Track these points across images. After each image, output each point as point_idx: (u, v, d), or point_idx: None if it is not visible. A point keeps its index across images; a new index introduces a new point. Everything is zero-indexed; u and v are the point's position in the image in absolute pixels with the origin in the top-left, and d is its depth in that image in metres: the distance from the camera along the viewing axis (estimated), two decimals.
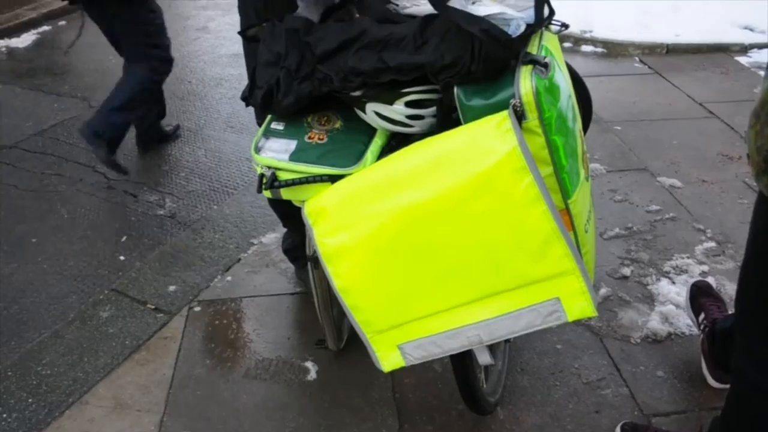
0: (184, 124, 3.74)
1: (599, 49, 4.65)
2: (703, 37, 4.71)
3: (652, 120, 3.65)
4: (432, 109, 1.30)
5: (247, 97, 1.38)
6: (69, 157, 3.43)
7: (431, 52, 1.19)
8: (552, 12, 1.28)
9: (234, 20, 5.61)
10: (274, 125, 1.41)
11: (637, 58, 4.54)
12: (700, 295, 2.10)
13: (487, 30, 1.14)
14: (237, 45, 4.94)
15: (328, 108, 1.41)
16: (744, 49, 4.64)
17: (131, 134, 3.60)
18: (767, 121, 1.11)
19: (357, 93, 1.30)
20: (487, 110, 1.19)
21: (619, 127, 3.54)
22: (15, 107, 4.06)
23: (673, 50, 4.63)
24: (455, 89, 1.22)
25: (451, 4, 1.16)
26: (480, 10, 1.18)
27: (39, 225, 2.89)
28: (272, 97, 1.34)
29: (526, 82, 1.14)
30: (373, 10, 1.32)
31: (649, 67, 4.39)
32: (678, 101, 3.90)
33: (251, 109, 1.53)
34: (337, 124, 1.39)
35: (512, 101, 1.15)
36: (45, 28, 5.60)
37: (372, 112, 1.32)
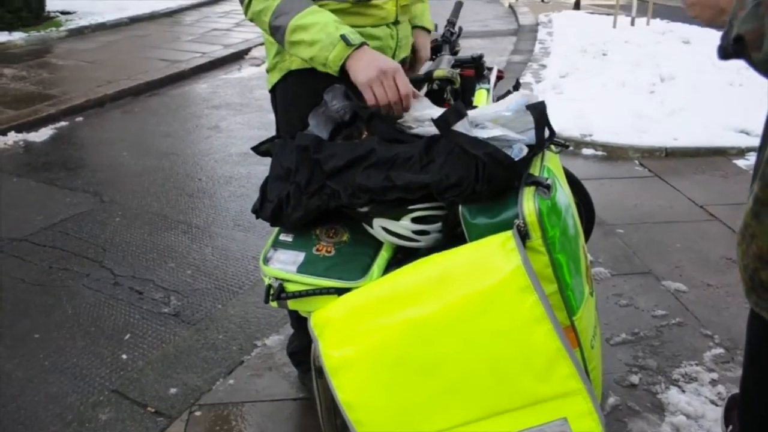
0: (193, 221, 3.80)
1: (599, 153, 4.77)
2: (700, 141, 4.83)
3: (655, 223, 3.69)
4: (438, 225, 1.33)
5: (258, 210, 1.42)
6: (77, 252, 3.47)
7: (436, 172, 1.24)
8: (552, 133, 1.34)
9: (245, 119, 5.83)
10: (282, 237, 1.44)
11: (636, 162, 4.65)
12: (736, 407, 2.05)
13: (491, 153, 1.19)
14: (247, 144, 5.11)
15: (335, 220, 1.44)
16: (741, 152, 4.75)
17: (146, 234, 3.66)
18: (751, 242, 1.16)
19: (364, 209, 1.34)
20: (491, 229, 1.22)
21: (621, 230, 3.58)
22: (28, 200, 4.15)
23: (672, 153, 4.74)
24: (460, 207, 1.25)
25: (455, 128, 1.22)
26: (483, 133, 1.24)
27: (43, 320, 2.89)
28: (282, 210, 1.38)
29: (529, 203, 1.18)
30: (380, 129, 1.38)
31: (649, 170, 4.49)
32: (679, 204, 3.96)
33: None
34: (345, 237, 1.42)
35: (516, 221, 1.18)
36: (62, 123, 5.80)
37: (379, 227, 1.35)
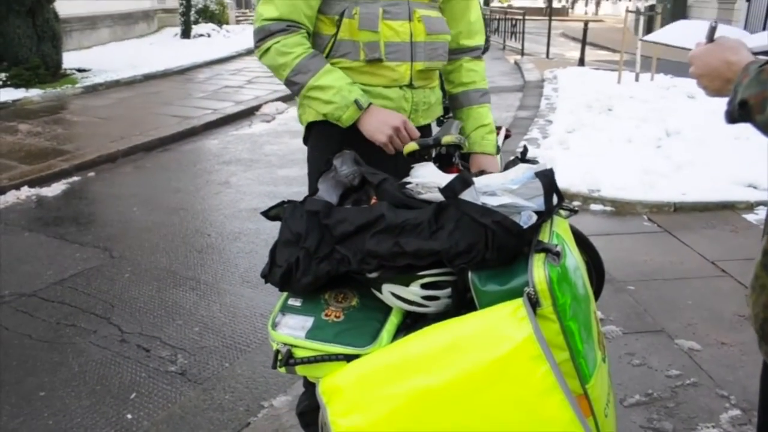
0: (201, 277, 3.80)
1: (608, 208, 4.78)
2: (708, 196, 4.84)
3: (665, 279, 3.67)
4: (447, 291, 1.33)
5: (267, 275, 1.42)
6: (86, 308, 3.46)
7: (446, 239, 1.24)
8: (561, 199, 1.34)
9: (254, 175, 5.90)
10: (291, 301, 1.43)
11: (645, 217, 4.65)
12: None
13: (500, 222, 1.19)
14: (256, 200, 5.16)
15: (344, 284, 1.44)
16: (750, 206, 4.75)
17: (154, 291, 3.66)
18: (761, 292, 1.17)
19: (374, 274, 1.34)
20: (501, 296, 1.22)
21: (632, 287, 3.55)
22: (38, 255, 4.18)
23: (681, 208, 4.74)
24: (470, 274, 1.25)
25: (462, 196, 1.23)
26: (491, 200, 1.25)
27: (49, 378, 2.86)
28: (291, 275, 1.38)
29: (539, 271, 1.18)
30: (389, 195, 1.40)
31: (658, 226, 4.48)
32: (689, 260, 3.94)
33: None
34: (354, 302, 1.41)
35: (526, 289, 1.18)
36: (75, 178, 5.89)
37: (388, 292, 1.35)
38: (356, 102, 1.65)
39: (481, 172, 1.45)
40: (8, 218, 4.89)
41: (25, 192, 5.42)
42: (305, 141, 1.96)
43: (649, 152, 5.79)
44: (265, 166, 6.25)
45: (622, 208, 4.76)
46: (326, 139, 1.80)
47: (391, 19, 1.71)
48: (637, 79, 9.88)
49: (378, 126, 1.65)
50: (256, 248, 4.19)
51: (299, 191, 5.34)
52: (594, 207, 4.80)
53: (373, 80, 1.74)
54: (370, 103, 1.68)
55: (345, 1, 1.70)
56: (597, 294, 2.87)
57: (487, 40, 9.82)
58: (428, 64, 1.81)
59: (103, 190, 5.69)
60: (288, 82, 1.71)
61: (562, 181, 4.96)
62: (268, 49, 1.69)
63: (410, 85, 1.81)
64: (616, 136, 6.30)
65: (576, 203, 4.83)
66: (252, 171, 6.07)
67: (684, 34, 6.42)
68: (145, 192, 5.52)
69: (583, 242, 2.63)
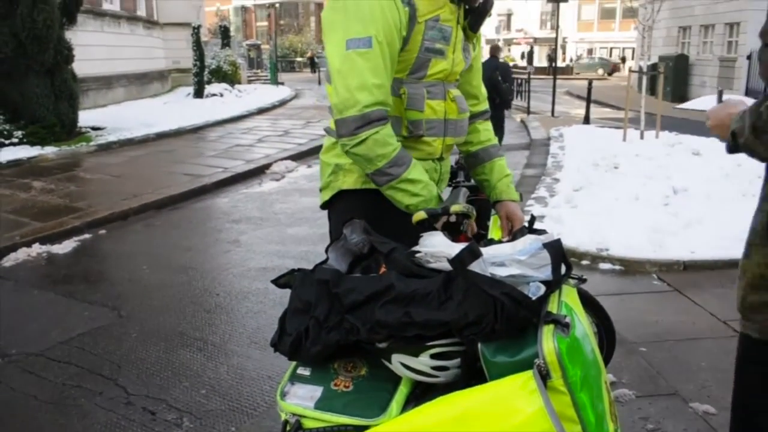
0: (209, 338, 3.78)
1: (617, 267, 4.76)
2: (718, 254, 4.82)
3: (678, 340, 3.62)
4: (457, 361, 1.32)
5: (276, 344, 1.43)
6: (92, 369, 3.44)
7: (455, 310, 1.25)
8: (569, 268, 1.35)
9: (264, 234, 5.94)
10: (300, 370, 1.43)
11: (655, 276, 4.63)
12: None
13: (509, 293, 1.20)
14: (266, 259, 5.18)
15: (353, 353, 1.44)
16: None
17: (161, 352, 3.65)
18: (743, 276, 1.62)
19: (383, 344, 1.34)
20: (511, 367, 1.21)
21: (644, 348, 3.50)
22: (47, 313, 4.18)
23: (690, 267, 4.72)
24: (479, 345, 1.25)
25: (471, 267, 1.24)
26: (500, 271, 1.26)
27: None
28: (300, 344, 1.38)
29: (548, 342, 1.18)
30: (399, 264, 1.41)
31: (668, 285, 4.45)
32: (701, 319, 3.90)
33: (276, 325, 1.58)
34: (363, 371, 1.41)
35: (536, 361, 1.18)
36: (86, 236, 5.94)
37: (398, 362, 1.35)
38: (439, 196, 1.77)
39: (489, 241, 1.47)
40: (18, 276, 4.92)
41: (36, 249, 5.46)
42: (327, 206, 1.98)
43: (656, 210, 5.81)
44: (274, 224, 6.30)
45: (631, 267, 4.74)
46: (361, 206, 1.83)
47: (432, 98, 1.83)
48: (642, 137, 9.99)
49: None
50: (264, 308, 4.18)
51: (308, 250, 5.36)
52: (603, 266, 4.78)
53: (412, 153, 1.81)
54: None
55: (392, 81, 1.78)
56: (608, 358, 2.84)
57: (510, 93, 9.92)
58: (456, 139, 1.97)
59: (113, 247, 5.73)
60: (378, 172, 1.71)
61: (571, 240, 4.97)
62: (365, 140, 1.67)
63: (440, 158, 1.96)
64: (623, 194, 6.33)
65: (585, 262, 4.82)
66: (261, 229, 6.11)
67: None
68: (155, 250, 5.56)
69: (593, 305, 2.62)
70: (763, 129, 1.40)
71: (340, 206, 1.91)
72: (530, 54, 43.58)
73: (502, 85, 8.83)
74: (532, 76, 16.99)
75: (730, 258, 4.77)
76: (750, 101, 1.51)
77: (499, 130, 8.89)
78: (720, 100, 1.68)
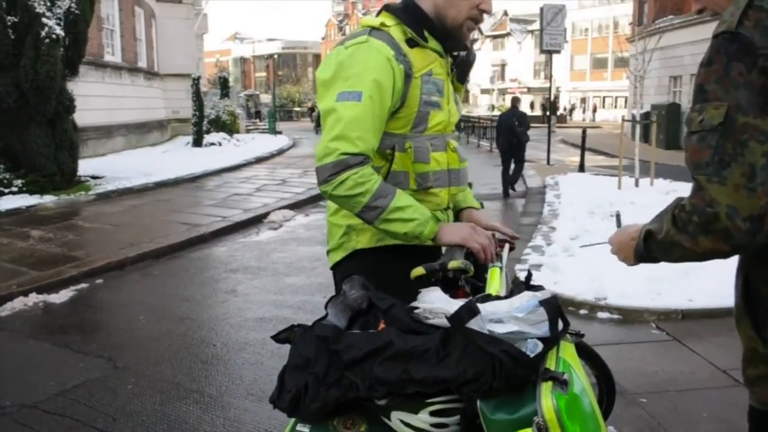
0: (205, 389, 3.74)
1: (615, 316, 4.76)
2: (715, 302, 4.82)
3: (678, 390, 3.60)
4: (456, 418, 1.32)
5: (276, 400, 1.42)
6: (86, 421, 3.40)
7: (454, 367, 1.26)
8: (566, 324, 1.37)
9: (261, 283, 5.93)
10: (299, 427, 1.43)
11: (653, 325, 4.62)
12: None
13: (507, 351, 1.22)
14: (263, 309, 5.16)
15: (353, 410, 1.44)
16: None
17: (157, 404, 3.60)
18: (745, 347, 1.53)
19: (382, 401, 1.34)
20: (511, 424, 1.22)
21: (644, 399, 3.48)
22: (42, 364, 4.14)
23: (689, 315, 4.72)
24: (478, 402, 1.26)
25: (469, 325, 1.26)
26: (498, 327, 1.27)
27: None
28: (299, 401, 1.38)
29: (547, 400, 1.18)
30: (398, 321, 1.43)
31: (667, 334, 4.44)
32: (701, 369, 3.88)
33: (273, 377, 1.58)
34: (362, 428, 1.40)
35: (535, 418, 1.18)
36: (83, 285, 5.92)
37: (397, 419, 1.35)
38: (434, 216, 1.80)
39: (487, 297, 1.48)
40: (14, 325, 4.89)
41: (33, 298, 5.44)
42: (338, 266, 1.98)
43: None
44: (272, 274, 6.30)
45: (629, 316, 4.73)
46: (376, 264, 1.85)
47: (435, 150, 1.89)
48: (637, 185, 10.10)
49: (455, 232, 1.80)
50: (261, 359, 4.15)
51: (305, 299, 5.36)
52: (601, 315, 4.78)
53: None
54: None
55: (394, 137, 1.84)
56: (608, 410, 2.81)
57: (524, 135, 11.25)
58: (459, 189, 2.03)
59: (110, 297, 5.71)
60: (366, 209, 1.74)
61: (568, 289, 4.97)
62: (344, 181, 1.70)
63: (447, 208, 2.00)
64: None
65: (583, 311, 4.82)
66: (259, 279, 6.11)
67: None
68: (152, 300, 5.54)
69: (591, 357, 2.62)
70: (686, 220, 1.26)
71: (354, 265, 1.91)
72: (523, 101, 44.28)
73: (518, 129, 11.30)
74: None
75: (727, 306, 4.70)
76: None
77: (519, 163, 11.51)
78: (619, 224, 1.78)
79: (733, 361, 3.93)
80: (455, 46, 1.94)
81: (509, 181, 11.34)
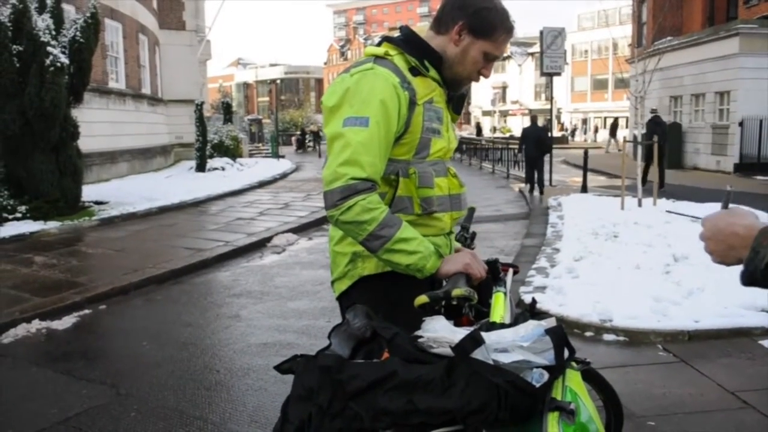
0: (209, 417, 3.71)
1: (621, 338, 4.71)
2: (722, 322, 4.78)
3: (686, 413, 3.55)
4: None
5: None
6: None
7: (458, 397, 1.25)
8: (572, 352, 1.36)
9: (265, 308, 5.91)
10: None
11: (660, 346, 4.58)
12: None
13: (512, 381, 1.21)
14: (266, 334, 5.14)
15: None
16: (766, 332, 4.67)
17: (150, 426, 3.57)
18: None
19: None
20: None
21: (652, 423, 3.43)
22: (44, 392, 4.11)
23: (695, 336, 4.67)
24: None
25: (473, 355, 1.25)
26: (502, 357, 1.26)
27: None
28: None
29: (554, 430, 1.17)
30: (402, 350, 1.42)
31: (674, 355, 4.40)
32: (709, 391, 3.84)
33: (277, 403, 1.56)
34: None
35: None
36: (86, 311, 5.89)
37: None
38: (437, 251, 1.81)
39: (491, 325, 1.47)
40: (16, 352, 4.86)
41: (36, 325, 5.41)
42: (344, 296, 1.98)
43: (658, 278, 5.79)
44: (275, 298, 6.27)
45: (635, 338, 4.69)
46: (383, 291, 1.87)
47: (437, 176, 1.93)
48: (640, 205, 10.08)
49: (455, 262, 1.82)
50: (265, 385, 4.11)
51: (309, 324, 5.33)
52: (607, 337, 4.74)
53: (426, 231, 1.88)
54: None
55: (398, 163, 1.87)
56: None
57: (551, 145, 14.06)
58: (460, 213, 2.05)
59: (113, 323, 5.69)
60: (371, 237, 1.75)
61: (573, 311, 4.94)
62: (352, 206, 1.72)
63: (449, 233, 2.03)
64: (624, 262, 6.32)
65: (588, 334, 4.78)
66: (262, 304, 6.08)
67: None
68: (155, 326, 5.52)
69: (598, 381, 2.58)
70: None
71: (359, 293, 1.92)
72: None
73: (546, 140, 14.52)
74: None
75: (734, 326, 4.73)
76: (759, 213, 1.11)
77: (541, 173, 13.89)
78: (726, 205, 1.23)
79: (741, 383, 3.90)
80: (453, 90, 2.03)
81: (539, 182, 13.67)
